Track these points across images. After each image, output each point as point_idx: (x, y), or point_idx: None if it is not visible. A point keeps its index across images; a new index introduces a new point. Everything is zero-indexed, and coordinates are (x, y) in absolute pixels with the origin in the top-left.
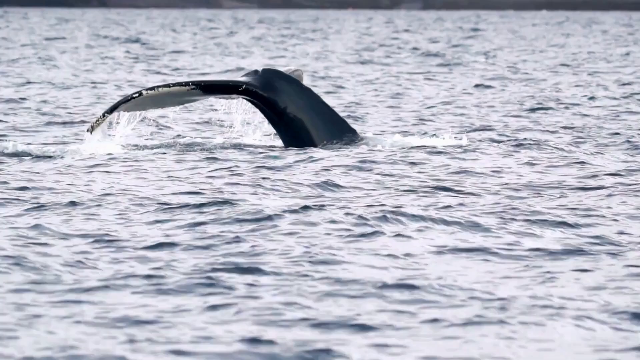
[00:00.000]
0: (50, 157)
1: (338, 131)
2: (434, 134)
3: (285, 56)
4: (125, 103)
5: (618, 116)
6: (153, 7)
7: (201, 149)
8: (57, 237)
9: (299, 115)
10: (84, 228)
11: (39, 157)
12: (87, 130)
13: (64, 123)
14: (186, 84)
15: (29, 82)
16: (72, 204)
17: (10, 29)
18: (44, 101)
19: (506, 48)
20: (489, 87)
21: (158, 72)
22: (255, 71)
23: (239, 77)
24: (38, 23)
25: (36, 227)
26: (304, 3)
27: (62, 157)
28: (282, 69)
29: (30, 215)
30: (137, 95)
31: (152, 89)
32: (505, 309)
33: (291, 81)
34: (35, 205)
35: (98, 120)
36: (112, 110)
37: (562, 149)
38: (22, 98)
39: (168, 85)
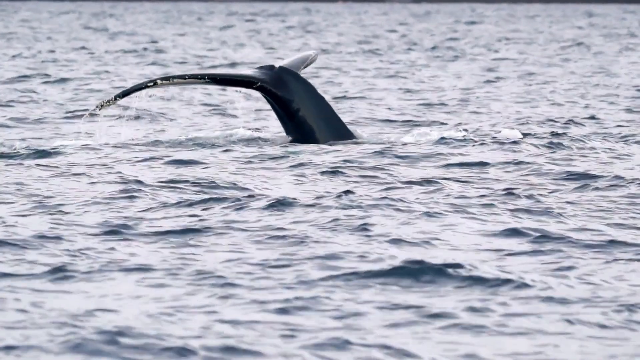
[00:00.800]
0: (55, 148)
1: (340, 134)
2: (431, 130)
3: (282, 49)
4: (139, 90)
5: (621, 108)
6: (144, 0)
7: (203, 142)
8: (69, 229)
9: (309, 118)
10: (88, 220)
11: (41, 151)
12: (96, 107)
13: (62, 118)
14: (202, 76)
15: (24, 77)
16: (81, 197)
17: (4, 23)
18: (40, 95)
19: (504, 40)
20: (489, 81)
21: (153, 63)
22: (271, 67)
23: (254, 69)
24: (31, 16)
25: (50, 218)
26: None
27: (67, 150)
28: (304, 54)
29: (37, 209)
30: (151, 84)
31: (167, 79)
32: (513, 297)
33: (306, 84)
34: (43, 199)
35: (109, 101)
36: (124, 94)
37: (564, 140)
38: (17, 90)
39: (183, 77)
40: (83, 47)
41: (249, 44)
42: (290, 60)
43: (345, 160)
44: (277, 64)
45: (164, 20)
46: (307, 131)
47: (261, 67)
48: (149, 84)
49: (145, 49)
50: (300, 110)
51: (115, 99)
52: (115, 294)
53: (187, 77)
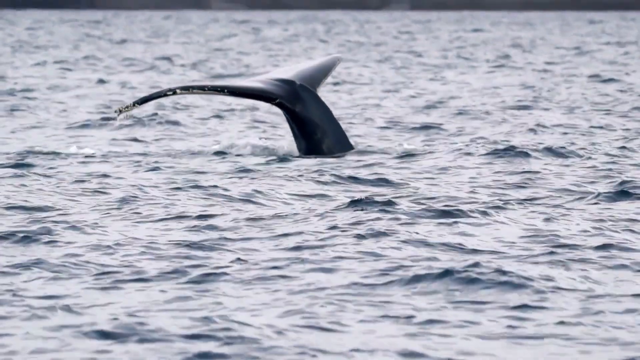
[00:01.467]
0: (60, 156)
1: (345, 150)
2: (438, 138)
3: (288, 57)
4: (158, 98)
5: (627, 115)
6: (142, 9)
7: (214, 150)
8: (80, 233)
9: (324, 138)
10: (91, 227)
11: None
12: (115, 112)
13: (67, 126)
14: (222, 89)
15: (30, 85)
16: (87, 203)
17: (8, 32)
18: (45, 104)
19: (509, 48)
20: (494, 88)
21: (153, 67)
22: (292, 82)
23: (273, 82)
24: (34, 25)
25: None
26: (293, 4)
27: (75, 158)
28: (327, 60)
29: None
30: (170, 93)
31: (186, 89)
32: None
33: (322, 105)
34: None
35: (127, 106)
36: (142, 101)
37: (570, 148)
38: (23, 98)
39: (203, 88)
40: (86, 57)
41: (253, 52)
42: (311, 70)
43: (353, 170)
44: (298, 70)
45: (167, 28)
46: (320, 149)
47: (281, 81)
48: (168, 93)
49: (148, 55)
50: (315, 130)
51: (134, 105)
52: (118, 300)
53: (206, 89)
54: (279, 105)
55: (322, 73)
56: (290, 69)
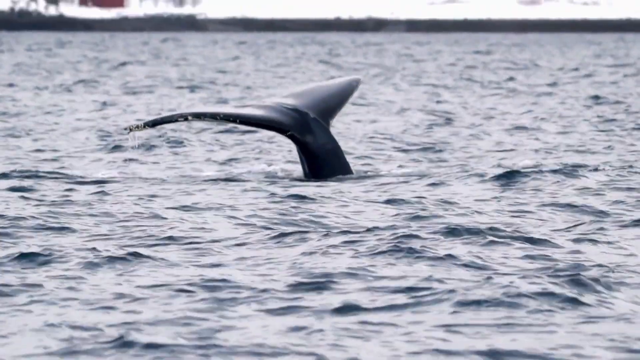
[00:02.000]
0: (65, 179)
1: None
2: (443, 161)
3: (294, 79)
4: (169, 123)
5: (631, 135)
6: (139, 31)
7: (220, 176)
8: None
9: (329, 170)
10: (94, 247)
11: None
12: (125, 129)
13: (67, 148)
14: (234, 119)
15: (24, 111)
16: (102, 223)
17: (4, 54)
18: (50, 127)
19: (507, 69)
20: (495, 110)
21: (153, 90)
22: (305, 114)
23: (286, 110)
24: (28, 47)
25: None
26: (289, 26)
27: (82, 182)
28: (344, 84)
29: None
30: (182, 119)
31: (198, 116)
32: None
33: (333, 141)
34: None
35: (138, 126)
36: (153, 124)
37: (577, 170)
38: (30, 122)
39: (215, 117)
40: (85, 79)
41: (254, 73)
42: (327, 98)
43: (354, 191)
44: (313, 97)
45: (165, 50)
46: (323, 178)
47: (295, 111)
48: (179, 118)
49: (150, 79)
50: (322, 163)
51: (144, 127)
52: (120, 320)
53: (219, 118)
54: (291, 137)
55: (338, 101)
56: (306, 94)
